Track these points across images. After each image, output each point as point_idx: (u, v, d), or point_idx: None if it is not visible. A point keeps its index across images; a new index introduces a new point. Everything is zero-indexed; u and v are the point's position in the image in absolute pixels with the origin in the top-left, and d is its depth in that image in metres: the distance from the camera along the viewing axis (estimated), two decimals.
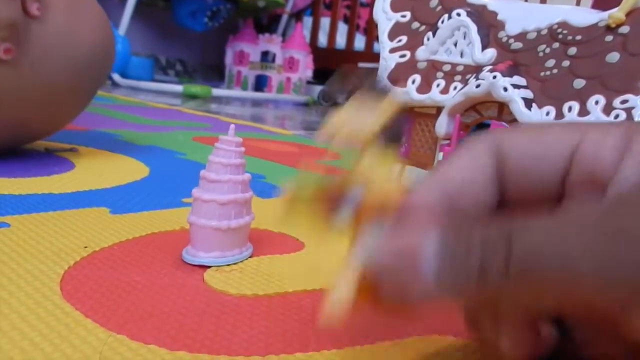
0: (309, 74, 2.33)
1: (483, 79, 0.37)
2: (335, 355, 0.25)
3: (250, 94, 2.21)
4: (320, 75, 2.44)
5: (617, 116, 0.33)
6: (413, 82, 0.43)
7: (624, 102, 0.34)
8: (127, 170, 0.59)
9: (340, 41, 2.50)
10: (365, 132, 0.20)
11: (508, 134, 0.21)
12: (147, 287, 0.30)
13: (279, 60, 2.28)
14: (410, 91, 0.42)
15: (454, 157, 0.21)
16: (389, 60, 0.45)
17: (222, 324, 0.27)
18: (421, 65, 0.43)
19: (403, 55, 0.44)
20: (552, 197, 0.20)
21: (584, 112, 0.35)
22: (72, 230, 0.37)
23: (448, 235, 0.17)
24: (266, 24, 2.68)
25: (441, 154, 0.41)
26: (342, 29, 2.52)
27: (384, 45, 0.46)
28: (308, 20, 2.63)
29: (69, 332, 0.24)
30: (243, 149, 0.36)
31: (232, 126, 0.36)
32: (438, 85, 0.41)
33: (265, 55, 2.34)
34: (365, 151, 0.21)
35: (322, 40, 2.59)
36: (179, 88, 1.92)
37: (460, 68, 0.41)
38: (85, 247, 0.35)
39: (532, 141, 0.21)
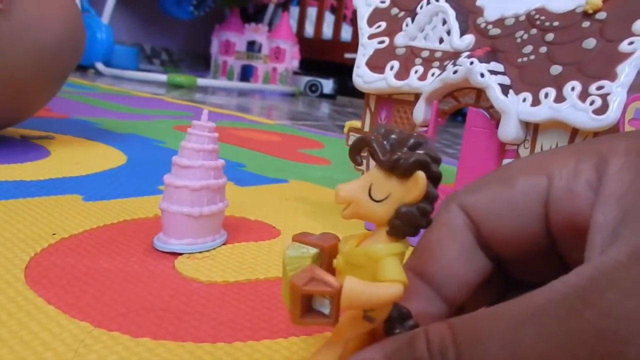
0: (295, 64, 2.32)
1: (460, 65, 0.37)
2: (302, 342, 0.25)
3: (236, 84, 2.19)
4: (307, 65, 2.43)
5: (592, 102, 0.33)
6: (391, 68, 0.42)
7: (599, 88, 0.33)
8: (104, 158, 0.58)
9: (327, 31, 2.48)
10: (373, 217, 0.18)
11: (469, 192, 0.20)
12: (114, 274, 0.30)
13: (265, 50, 2.27)
14: (388, 77, 0.42)
15: (430, 241, 0.20)
16: (367, 47, 0.44)
17: (190, 310, 0.27)
18: (400, 51, 0.43)
19: (382, 42, 0.44)
20: (544, 246, 0.19)
21: (560, 98, 0.34)
22: (41, 217, 0.37)
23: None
24: (253, 13, 2.66)
25: None
26: (329, 19, 2.50)
27: (363, 31, 0.45)
28: (295, 10, 2.61)
29: (30, 318, 0.24)
30: (216, 134, 0.35)
31: (205, 111, 0.36)
32: (416, 72, 0.41)
33: (251, 45, 2.32)
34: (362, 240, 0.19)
35: (309, 30, 2.58)
36: (163, 77, 1.89)
37: (438, 54, 0.41)
38: (54, 234, 0.34)
39: (499, 201, 0.19)
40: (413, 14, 0.43)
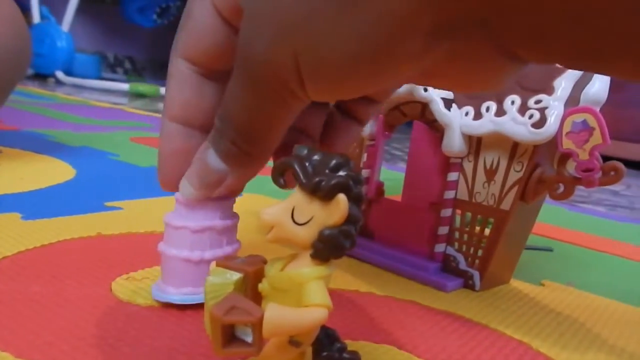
0: None
1: None
2: None
3: None
4: None
5: (531, 116, 0.34)
6: None
7: (538, 102, 0.34)
8: (51, 172, 0.56)
9: None
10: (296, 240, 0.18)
11: None
12: (46, 298, 0.28)
13: None
14: None
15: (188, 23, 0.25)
16: None
17: (124, 337, 0.26)
18: None
19: None
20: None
21: (500, 111, 0.35)
22: None
23: (213, 143, 0.25)
24: None
25: (365, 155, 0.41)
26: None
27: None
28: None
29: None
30: None
31: None
32: None
33: None
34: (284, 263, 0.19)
35: None
36: (125, 86, 1.87)
37: None
38: None
39: None
40: None
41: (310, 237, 0.17)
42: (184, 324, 0.28)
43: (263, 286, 0.19)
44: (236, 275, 0.19)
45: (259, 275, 0.19)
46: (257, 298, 0.19)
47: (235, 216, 0.31)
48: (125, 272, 0.33)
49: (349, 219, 0.17)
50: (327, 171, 0.18)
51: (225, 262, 0.20)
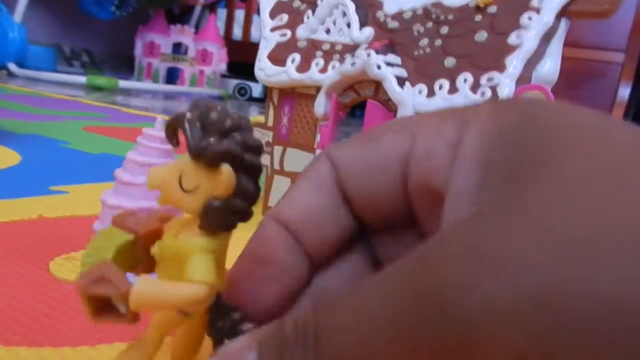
0: (223, 67, 2.28)
1: (358, 58, 0.37)
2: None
3: (162, 86, 2.13)
4: (235, 68, 2.40)
5: (483, 93, 0.34)
6: (292, 61, 0.41)
7: (489, 79, 0.34)
8: None
9: (256, 34, 2.46)
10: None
11: (341, 146, 0.18)
12: None
13: (191, 53, 2.22)
14: (289, 70, 0.41)
15: (295, 188, 0.18)
16: (269, 40, 0.43)
17: (56, 314, 0.24)
18: (301, 44, 0.42)
19: (284, 34, 0.43)
20: (404, 215, 0.17)
21: (453, 89, 0.35)
22: None
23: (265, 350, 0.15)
24: (178, 14, 2.60)
25: (319, 135, 0.40)
26: (257, 21, 2.49)
27: (265, 24, 0.44)
28: (222, 12, 2.58)
29: None
30: (170, 146, 0.30)
31: (160, 119, 0.29)
32: (317, 65, 0.40)
33: (177, 47, 2.26)
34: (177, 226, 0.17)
35: (237, 32, 2.55)
36: (82, 79, 1.81)
37: (339, 47, 0.41)
38: None
39: (361, 158, 0.17)
40: (314, 7, 0.43)
41: (196, 206, 0.16)
42: None
43: (155, 251, 0.17)
44: (122, 239, 0.17)
45: (154, 237, 0.17)
46: (150, 261, 0.17)
47: None
48: (65, 253, 0.31)
49: (237, 192, 0.15)
50: (217, 135, 0.15)
51: (121, 219, 0.18)
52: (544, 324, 0.11)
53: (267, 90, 0.45)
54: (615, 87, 1.67)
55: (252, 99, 2.32)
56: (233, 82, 2.35)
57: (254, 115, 1.74)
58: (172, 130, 0.16)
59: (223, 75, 2.32)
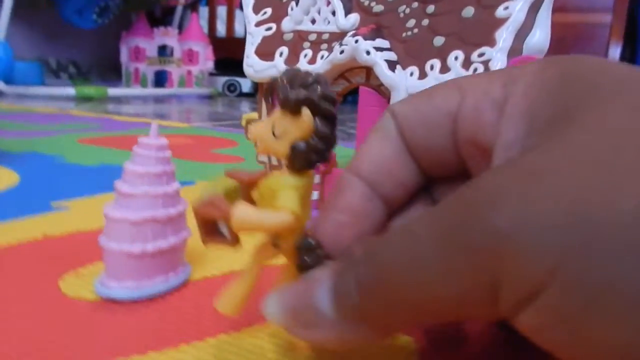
0: (210, 65, 2.26)
1: (346, 45, 0.36)
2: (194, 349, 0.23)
3: (151, 90, 2.11)
4: (224, 65, 2.38)
5: (475, 70, 0.33)
6: (281, 54, 0.41)
7: (481, 55, 0.34)
8: None
9: (240, 29, 2.45)
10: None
11: (402, 101, 0.20)
12: None
13: (177, 54, 2.20)
14: (278, 64, 0.40)
15: (366, 142, 0.20)
16: (255, 35, 0.43)
17: (68, 332, 0.24)
18: (287, 36, 0.41)
19: (269, 28, 0.42)
20: (456, 165, 0.19)
21: (444, 69, 0.34)
22: None
23: (335, 276, 0.17)
24: (160, 16, 2.58)
25: None
26: (240, 16, 2.47)
27: (249, 19, 0.44)
28: (204, 10, 2.56)
29: None
30: (167, 153, 0.29)
31: (154, 125, 0.29)
32: (305, 56, 0.40)
33: (162, 49, 2.25)
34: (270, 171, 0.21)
35: (221, 29, 2.53)
36: (71, 91, 1.80)
37: (325, 36, 0.40)
38: None
39: (417, 112, 0.19)
40: None
41: (285, 149, 0.19)
42: (131, 318, 0.26)
43: (255, 194, 0.21)
44: (230, 183, 0.21)
45: (253, 185, 0.21)
46: (252, 203, 0.21)
47: (180, 204, 0.29)
48: (72, 269, 0.31)
49: (316, 134, 0.18)
50: (299, 88, 0.18)
51: (231, 173, 0.22)
52: (581, 237, 0.11)
53: (257, 85, 0.45)
54: (606, 48, 1.67)
55: (242, 95, 2.31)
56: (222, 80, 2.34)
57: (246, 110, 1.74)
58: (270, 92, 0.19)
59: (211, 74, 2.31)
